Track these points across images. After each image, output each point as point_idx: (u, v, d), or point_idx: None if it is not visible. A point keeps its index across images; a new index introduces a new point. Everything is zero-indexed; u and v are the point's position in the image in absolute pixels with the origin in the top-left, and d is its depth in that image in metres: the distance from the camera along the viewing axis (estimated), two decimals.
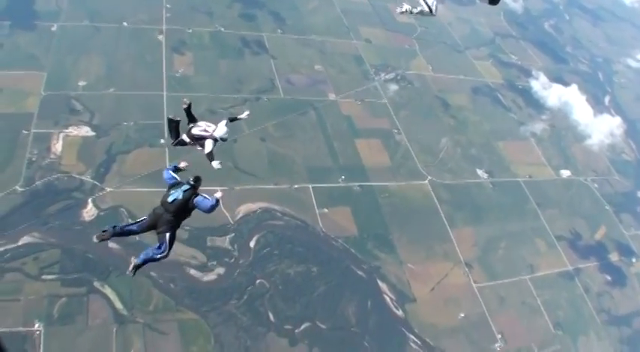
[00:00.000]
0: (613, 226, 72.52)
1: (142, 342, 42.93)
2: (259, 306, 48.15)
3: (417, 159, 67.27)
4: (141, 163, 53.98)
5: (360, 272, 53.80)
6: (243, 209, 54.10)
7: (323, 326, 49.04)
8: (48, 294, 43.31)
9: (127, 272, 14.76)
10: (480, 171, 70.27)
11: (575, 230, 69.09)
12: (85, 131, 55.63)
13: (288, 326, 47.83)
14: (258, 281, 49.62)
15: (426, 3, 15.78)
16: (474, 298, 56.52)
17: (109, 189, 51.18)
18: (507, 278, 59.72)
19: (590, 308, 61.18)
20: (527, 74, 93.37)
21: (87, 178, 51.61)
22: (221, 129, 16.92)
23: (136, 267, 14.54)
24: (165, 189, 15.25)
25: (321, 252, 53.88)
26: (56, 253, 46.00)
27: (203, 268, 48.80)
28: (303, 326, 48.30)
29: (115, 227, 14.46)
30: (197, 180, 15.49)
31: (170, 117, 17.70)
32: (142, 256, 14.45)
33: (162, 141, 56.62)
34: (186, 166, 16.31)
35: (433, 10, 15.78)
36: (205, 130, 16.87)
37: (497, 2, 15.70)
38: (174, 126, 17.54)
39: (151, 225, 14.61)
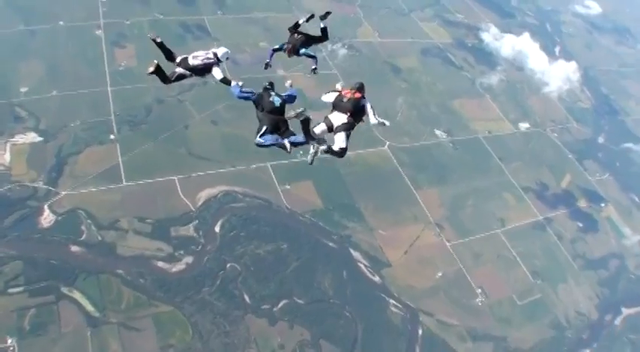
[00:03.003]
0: (578, 173, 73.90)
1: (118, 342, 42.29)
2: (233, 290, 47.77)
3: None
4: (93, 162, 52.75)
5: (331, 244, 53.77)
6: (204, 195, 53.33)
7: (301, 302, 49.04)
8: (16, 307, 42.21)
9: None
10: (438, 132, 70.55)
11: (540, 181, 70.31)
12: (32, 137, 53.86)
13: (265, 306, 47.68)
14: (228, 265, 49.13)
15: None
16: (449, 256, 57.22)
17: (64, 193, 49.89)
18: (479, 234, 60.54)
19: (565, 254, 62.58)
20: (476, 31, 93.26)
21: (40, 185, 50.14)
22: (221, 50, 16.20)
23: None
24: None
25: (289, 229, 53.63)
26: (19, 265, 44.66)
27: (171, 259, 48.10)
28: (280, 304, 48.24)
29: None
30: (271, 84, 15.73)
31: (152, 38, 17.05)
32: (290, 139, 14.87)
33: (111, 136, 55.54)
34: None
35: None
36: (207, 58, 15.99)
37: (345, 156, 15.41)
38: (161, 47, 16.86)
39: (274, 124, 14.98)
